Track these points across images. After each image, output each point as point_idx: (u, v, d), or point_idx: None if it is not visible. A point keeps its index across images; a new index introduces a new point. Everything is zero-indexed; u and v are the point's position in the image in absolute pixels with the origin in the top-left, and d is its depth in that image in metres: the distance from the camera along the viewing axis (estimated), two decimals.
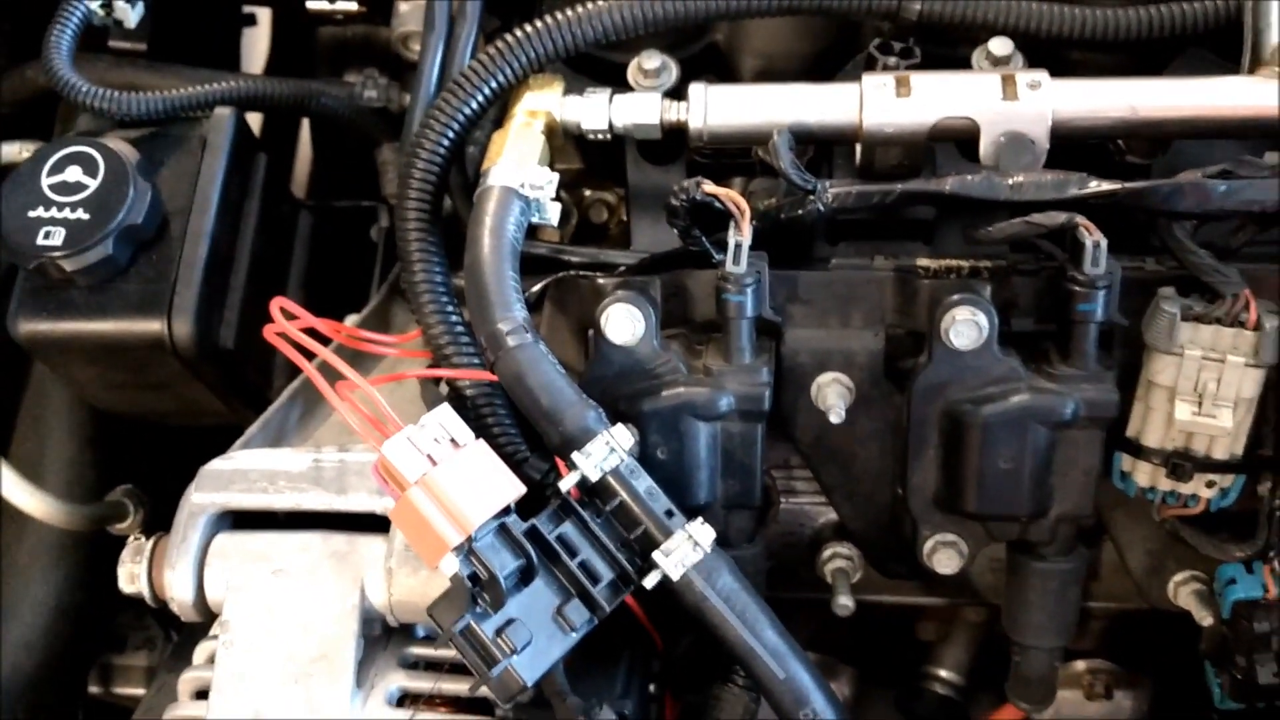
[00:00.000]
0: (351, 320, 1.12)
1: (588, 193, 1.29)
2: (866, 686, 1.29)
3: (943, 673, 1.24)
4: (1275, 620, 0.94)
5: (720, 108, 0.98)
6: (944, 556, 0.96)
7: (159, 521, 0.99)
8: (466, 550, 0.78)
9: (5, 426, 1.18)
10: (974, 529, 0.96)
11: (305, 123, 1.48)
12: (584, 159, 1.24)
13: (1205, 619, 0.98)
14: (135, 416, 1.17)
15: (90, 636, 1.20)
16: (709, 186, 0.91)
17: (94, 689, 1.28)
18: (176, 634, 1.24)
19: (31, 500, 1.07)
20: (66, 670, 1.16)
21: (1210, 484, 0.93)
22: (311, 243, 1.23)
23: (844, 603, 1.00)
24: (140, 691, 1.26)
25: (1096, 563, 1.06)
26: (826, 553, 1.04)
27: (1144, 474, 0.94)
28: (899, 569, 1.03)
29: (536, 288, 1.03)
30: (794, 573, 1.07)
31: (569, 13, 0.97)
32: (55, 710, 1.17)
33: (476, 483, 0.78)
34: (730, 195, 0.90)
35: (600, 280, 0.97)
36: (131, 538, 0.94)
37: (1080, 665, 1.16)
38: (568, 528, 0.83)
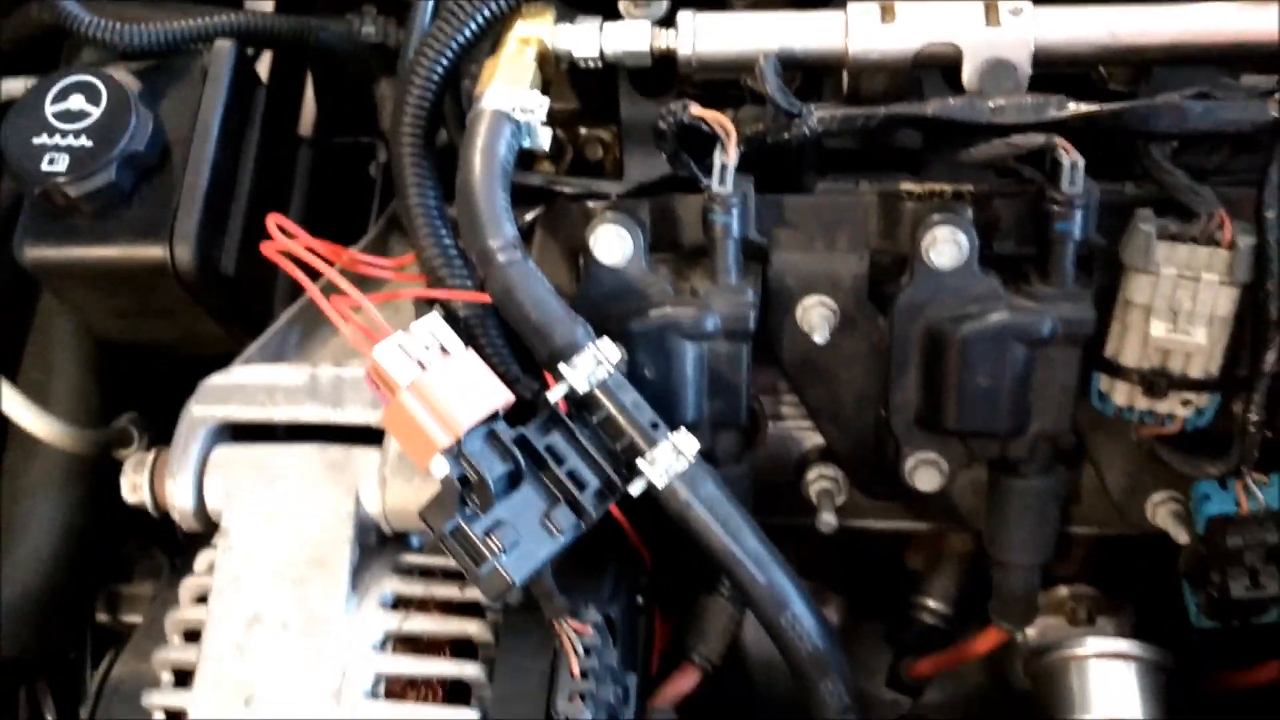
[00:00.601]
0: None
1: (583, 131, 1.31)
2: (856, 620, 1.32)
3: (930, 603, 1.27)
4: (1248, 535, 0.96)
5: (709, 34, 0.99)
6: (925, 474, 0.99)
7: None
8: (456, 453, 0.80)
9: (12, 357, 1.21)
10: (954, 447, 0.98)
11: None
12: (579, 97, 1.26)
13: (1181, 537, 1.00)
14: (138, 346, 1.19)
15: (96, 560, 1.22)
16: (696, 109, 0.93)
17: (101, 617, 1.31)
18: (180, 560, 1.27)
19: (39, 423, 1.10)
20: (73, 591, 1.19)
21: (1186, 403, 0.95)
22: (311, 177, 1.26)
23: (827, 519, 1.03)
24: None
25: (1077, 487, 1.08)
26: (812, 474, 1.06)
27: (1121, 393, 0.96)
28: (882, 489, 1.06)
29: (529, 216, 1.05)
30: (781, 497, 1.09)
31: None
32: (62, 631, 1.19)
33: (465, 388, 0.81)
34: (716, 117, 0.93)
35: (590, 205, 1.00)
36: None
37: (1063, 591, 1.18)
38: (555, 438, 0.86)
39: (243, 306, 1.13)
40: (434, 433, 0.79)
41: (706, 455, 0.89)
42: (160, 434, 1.16)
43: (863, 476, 1.06)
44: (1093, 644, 1.06)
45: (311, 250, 0.91)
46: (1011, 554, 1.02)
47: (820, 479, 1.06)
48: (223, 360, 1.09)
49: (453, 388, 0.80)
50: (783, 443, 1.09)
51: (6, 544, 1.15)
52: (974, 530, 1.12)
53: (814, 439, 1.08)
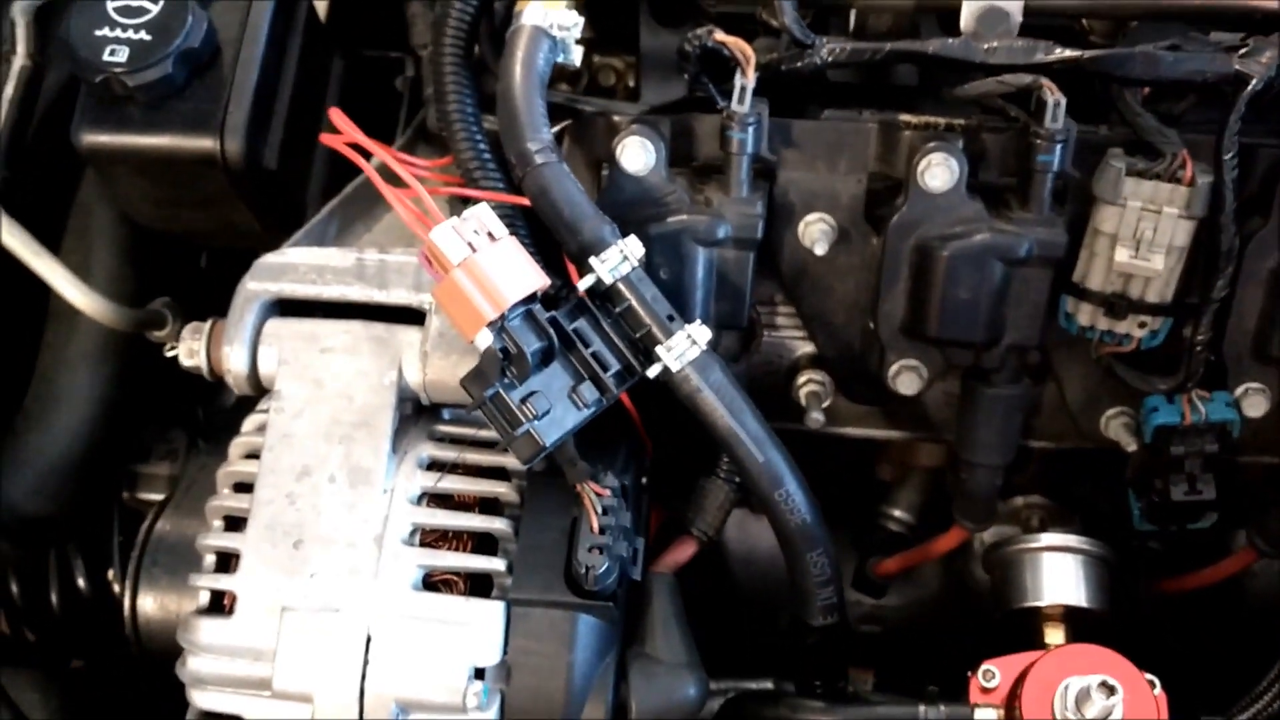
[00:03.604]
0: None
1: (597, 58, 1.40)
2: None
3: (897, 512, 1.37)
4: (1189, 444, 1.08)
5: None
6: (906, 379, 1.09)
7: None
8: (499, 327, 0.90)
9: (53, 240, 1.27)
10: (933, 354, 1.09)
11: None
12: (594, 27, 1.34)
13: (1130, 445, 1.11)
14: (176, 233, 1.27)
15: (128, 434, 1.30)
16: (719, 35, 1.02)
17: (122, 494, 1.39)
18: (204, 442, 1.36)
19: (82, 297, 1.18)
20: (105, 460, 1.27)
21: (1142, 324, 1.06)
22: (343, 85, 1.34)
23: (816, 417, 1.13)
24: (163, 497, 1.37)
25: (1038, 403, 1.19)
26: (802, 379, 1.16)
27: (1085, 314, 1.06)
28: (866, 394, 1.16)
29: (556, 129, 1.14)
30: (771, 401, 1.19)
31: None
32: (92, 497, 1.28)
33: (510, 269, 0.90)
34: (737, 43, 1.02)
35: (616, 118, 1.09)
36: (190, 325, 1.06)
37: (1019, 501, 1.29)
38: (582, 323, 0.95)
39: (280, 201, 1.21)
40: (482, 307, 0.88)
41: None
42: (192, 317, 1.25)
43: (849, 381, 1.16)
44: (1045, 539, 1.18)
45: (363, 145, 1.00)
46: (977, 455, 1.13)
47: (810, 382, 1.16)
48: (251, 252, 1.17)
49: (499, 268, 0.89)
50: (776, 350, 1.18)
51: (45, 411, 1.22)
52: (945, 441, 1.23)
53: (805, 347, 1.18)
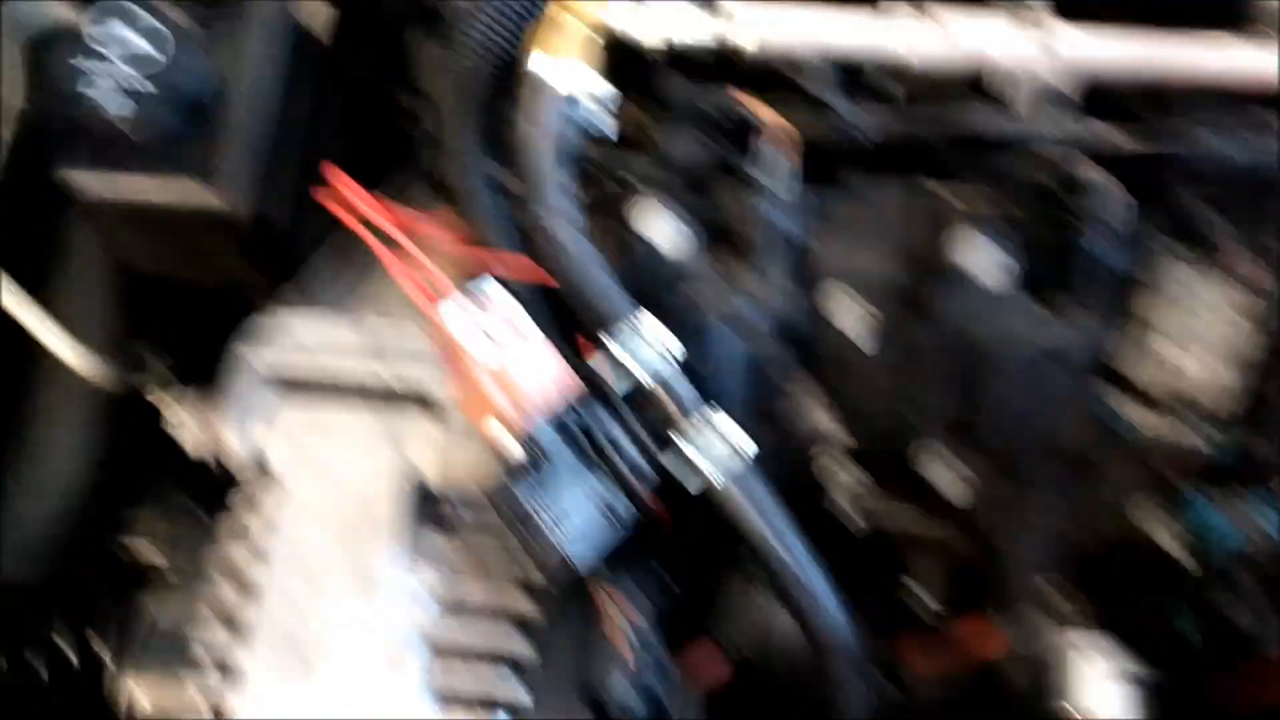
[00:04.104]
0: None
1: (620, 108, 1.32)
2: None
3: (923, 596, 1.30)
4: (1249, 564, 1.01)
5: (774, 31, 1.02)
6: (948, 478, 1.03)
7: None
8: (527, 438, 0.83)
9: (36, 281, 1.20)
10: (978, 454, 1.03)
11: None
12: (618, 76, 1.27)
13: (1183, 558, 1.04)
14: (167, 276, 1.19)
15: (119, 492, 1.23)
16: (763, 112, 0.96)
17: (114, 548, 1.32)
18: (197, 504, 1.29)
19: (76, 358, 1.12)
20: (99, 521, 1.20)
21: (1198, 429, 0.99)
22: (348, 126, 1.26)
23: (857, 522, 1.06)
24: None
25: (1084, 501, 1.11)
26: (833, 468, 1.10)
27: (1133, 410, 1.00)
28: (901, 489, 1.09)
29: (577, 193, 1.07)
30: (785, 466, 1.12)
31: None
32: (88, 559, 1.21)
33: (540, 376, 0.84)
34: (780, 123, 0.96)
35: (639, 186, 1.02)
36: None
37: (1055, 595, 1.21)
38: (616, 431, 0.88)
39: (282, 252, 1.14)
40: (509, 416, 0.82)
41: None
42: (187, 353, 1.17)
43: (882, 473, 1.09)
44: (1082, 644, 1.11)
45: (368, 208, 0.93)
46: (1015, 554, 1.07)
47: (844, 479, 1.08)
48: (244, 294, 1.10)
49: (528, 375, 0.83)
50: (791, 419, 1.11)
51: (35, 474, 1.16)
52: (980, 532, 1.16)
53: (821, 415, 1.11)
